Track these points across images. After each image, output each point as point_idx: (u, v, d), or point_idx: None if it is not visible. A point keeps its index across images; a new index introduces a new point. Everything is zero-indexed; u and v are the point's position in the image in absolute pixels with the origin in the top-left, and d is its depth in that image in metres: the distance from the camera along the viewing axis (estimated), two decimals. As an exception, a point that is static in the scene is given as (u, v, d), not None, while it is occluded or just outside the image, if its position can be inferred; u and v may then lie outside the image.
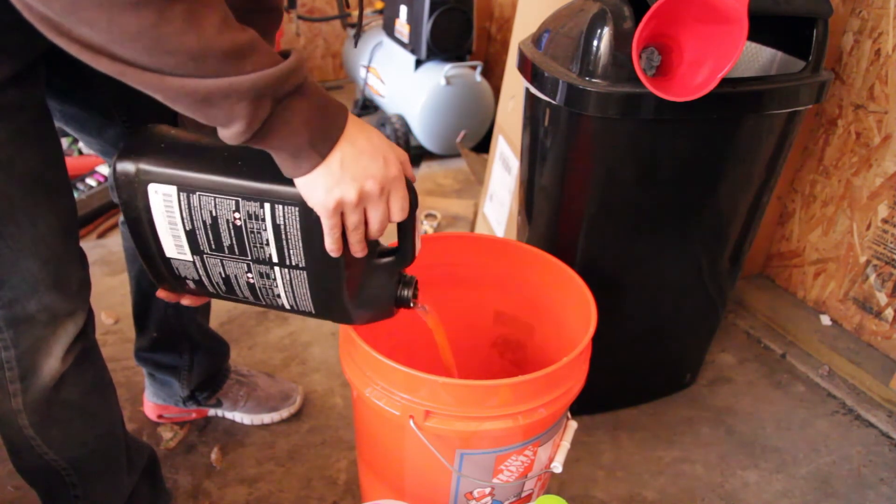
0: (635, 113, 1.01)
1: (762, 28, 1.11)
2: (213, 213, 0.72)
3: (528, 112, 1.22)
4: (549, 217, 1.24)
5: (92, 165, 2.20)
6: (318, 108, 0.65)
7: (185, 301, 0.85)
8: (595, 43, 1.00)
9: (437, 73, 2.37)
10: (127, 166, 0.72)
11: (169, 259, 0.77)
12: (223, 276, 0.77)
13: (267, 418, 1.37)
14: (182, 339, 1.24)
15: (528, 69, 1.12)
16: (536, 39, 1.17)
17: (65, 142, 2.26)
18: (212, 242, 0.74)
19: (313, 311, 0.81)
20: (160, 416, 1.35)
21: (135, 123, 0.98)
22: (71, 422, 0.89)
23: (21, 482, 1.03)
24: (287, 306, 0.81)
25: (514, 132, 1.77)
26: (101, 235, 2.02)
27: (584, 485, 1.28)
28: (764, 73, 1.21)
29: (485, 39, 2.80)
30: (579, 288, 1.00)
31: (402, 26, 2.45)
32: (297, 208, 0.71)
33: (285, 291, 0.78)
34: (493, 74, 2.63)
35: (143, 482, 1.06)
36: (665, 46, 1.01)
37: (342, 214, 0.70)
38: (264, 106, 0.61)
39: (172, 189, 0.71)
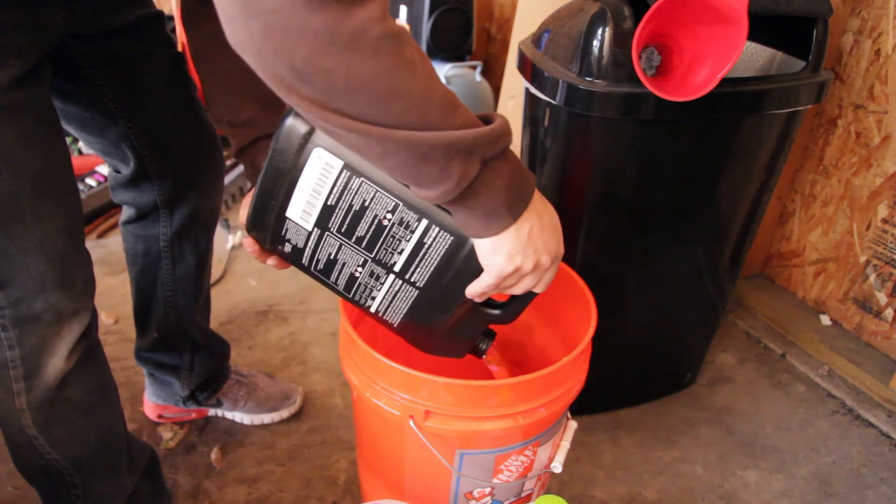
0: (635, 113, 1.01)
1: (762, 28, 1.11)
2: (366, 204, 0.71)
3: (528, 112, 1.22)
4: (549, 217, 1.24)
5: (92, 165, 2.20)
6: (516, 172, 0.66)
7: (270, 261, 0.82)
8: (595, 43, 1.00)
9: (437, 73, 2.37)
10: (300, 124, 0.68)
11: (286, 218, 0.74)
12: (331, 258, 0.76)
13: (267, 418, 1.37)
14: (182, 339, 1.24)
15: (528, 69, 1.12)
16: (536, 39, 1.17)
17: (65, 142, 2.26)
18: (344, 226, 0.73)
19: (394, 325, 0.81)
20: (160, 416, 1.35)
21: (137, 125, 0.98)
22: (74, 421, 0.89)
23: (21, 482, 1.03)
24: (372, 309, 0.80)
25: (514, 132, 1.77)
26: (101, 235, 2.02)
27: (584, 485, 1.28)
28: (764, 73, 1.21)
29: (485, 39, 2.80)
30: (579, 288, 1.00)
31: (402, 26, 2.45)
32: (451, 239, 0.71)
33: (384, 298, 0.78)
34: (493, 74, 2.62)
35: (144, 482, 1.06)
36: (665, 46, 1.01)
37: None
38: (475, 165, 0.61)
39: (339, 163, 0.69)
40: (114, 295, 1.74)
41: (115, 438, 0.97)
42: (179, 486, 1.24)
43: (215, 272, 1.86)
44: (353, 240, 0.73)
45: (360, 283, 0.77)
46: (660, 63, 1.03)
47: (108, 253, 1.93)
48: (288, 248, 0.77)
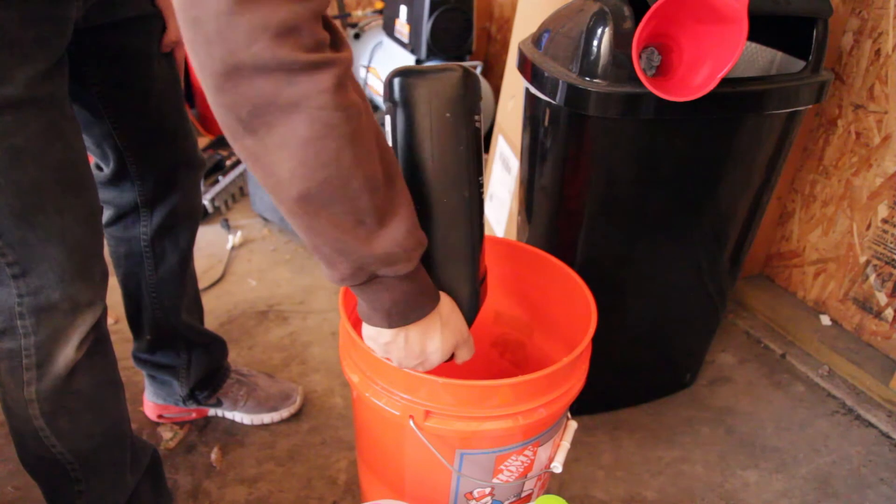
0: (635, 113, 1.01)
1: (762, 28, 1.11)
2: None
3: (528, 112, 1.22)
4: (549, 217, 1.24)
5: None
6: (410, 295, 0.71)
7: None
8: (595, 43, 1.00)
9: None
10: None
11: None
12: None
13: (267, 418, 1.37)
14: (176, 338, 1.24)
15: (528, 69, 1.12)
16: (536, 39, 1.17)
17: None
18: None
19: None
20: (160, 416, 1.35)
21: (121, 124, 0.99)
22: (80, 413, 0.90)
23: (22, 482, 1.03)
24: None
25: (514, 132, 1.77)
26: (101, 235, 2.02)
27: (584, 485, 1.28)
28: (764, 73, 1.21)
29: (485, 39, 2.79)
30: (579, 288, 1.00)
31: (402, 26, 2.45)
32: None
33: None
34: (493, 74, 2.62)
35: (146, 482, 1.06)
36: (665, 46, 1.01)
37: None
38: (361, 275, 0.66)
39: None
40: (114, 295, 1.72)
41: (120, 434, 0.98)
42: (179, 486, 1.24)
43: (215, 272, 1.86)
44: None
45: None
46: (660, 63, 1.03)
47: (108, 252, 1.93)
48: None
